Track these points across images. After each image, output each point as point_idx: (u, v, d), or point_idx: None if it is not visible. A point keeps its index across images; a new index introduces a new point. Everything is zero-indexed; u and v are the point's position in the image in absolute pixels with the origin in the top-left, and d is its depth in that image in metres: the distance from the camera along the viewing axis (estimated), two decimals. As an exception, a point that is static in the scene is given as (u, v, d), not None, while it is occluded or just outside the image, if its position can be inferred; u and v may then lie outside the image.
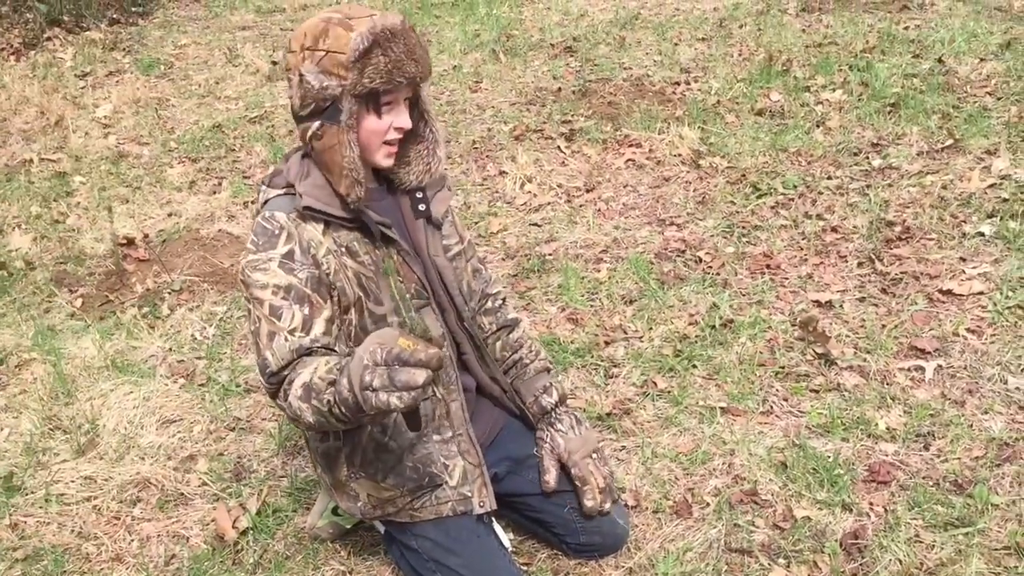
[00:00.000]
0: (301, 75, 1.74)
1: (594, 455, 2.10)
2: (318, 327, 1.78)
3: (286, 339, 1.75)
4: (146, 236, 3.95)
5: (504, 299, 2.21)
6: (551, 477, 2.06)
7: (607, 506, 2.07)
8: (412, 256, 1.93)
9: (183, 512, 2.43)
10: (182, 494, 2.49)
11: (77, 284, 3.63)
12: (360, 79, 1.71)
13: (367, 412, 1.49)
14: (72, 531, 2.39)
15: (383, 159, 1.85)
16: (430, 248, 1.98)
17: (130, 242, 3.86)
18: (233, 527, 2.32)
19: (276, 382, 1.76)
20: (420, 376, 1.41)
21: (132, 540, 2.35)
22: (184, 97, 5.82)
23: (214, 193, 4.40)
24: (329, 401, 1.57)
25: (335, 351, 1.79)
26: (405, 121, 1.82)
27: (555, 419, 2.12)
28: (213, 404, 2.83)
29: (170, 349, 3.14)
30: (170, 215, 4.19)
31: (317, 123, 1.77)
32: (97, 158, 4.89)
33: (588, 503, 2.04)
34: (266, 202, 1.86)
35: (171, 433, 2.73)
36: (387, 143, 1.83)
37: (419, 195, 1.98)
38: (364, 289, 1.85)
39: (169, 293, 3.47)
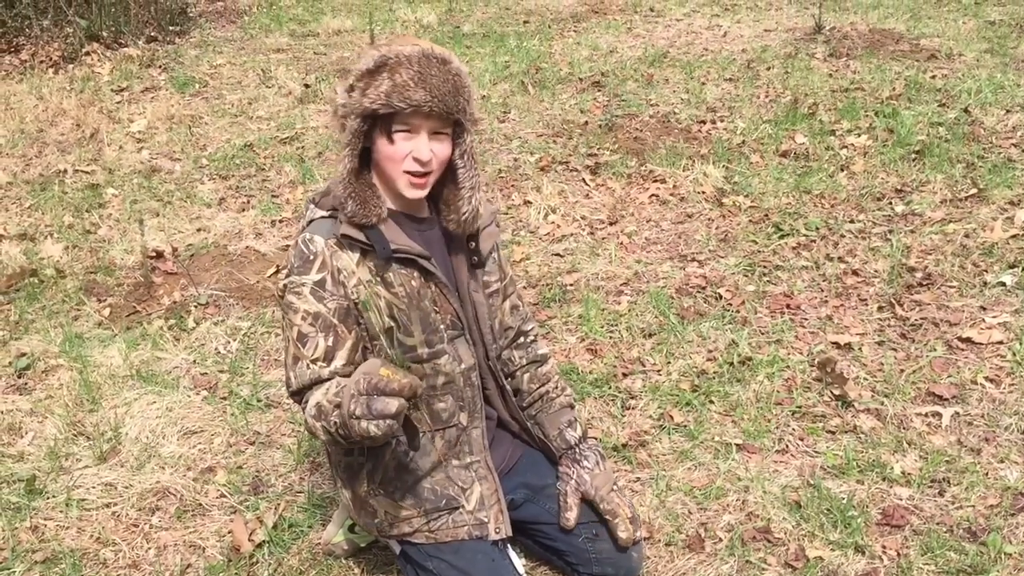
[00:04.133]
0: (335, 89, 1.81)
1: (615, 488, 2.12)
2: (340, 359, 1.86)
3: (308, 367, 1.84)
4: (175, 250, 4.01)
5: (536, 336, 2.26)
6: (572, 516, 2.07)
7: (639, 534, 2.08)
8: (450, 289, 1.96)
9: (200, 523, 2.46)
10: (200, 505, 2.52)
11: (106, 294, 3.70)
12: (362, 98, 1.75)
13: (356, 440, 1.59)
14: (91, 536, 2.42)
15: (406, 188, 1.86)
16: (470, 284, 2.02)
17: (159, 255, 3.93)
18: (249, 540, 2.35)
19: (297, 400, 1.89)
20: (393, 405, 1.52)
21: (149, 548, 2.38)
22: (217, 116, 5.92)
23: (243, 211, 4.47)
24: (335, 423, 1.66)
25: None
26: (421, 152, 1.80)
27: (580, 455, 2.13)
28: (234, 417, 2.87)
29: (194, 361, 3.19)
30: (199, 230, 4.25)
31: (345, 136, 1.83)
32: (130, 171, 4.98)
33: (623, 535, 2.05)
34: (311, 222, 1.90)
35: (192, 444, 2.77)
36: (409, 173, 1.83)
37: (472, 244, 2.01)
38: (395, 319, 1.89)
39: (195, 306, 3.53)
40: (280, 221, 4.32)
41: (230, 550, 2.35)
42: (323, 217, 1.90)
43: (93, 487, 2.59)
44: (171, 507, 2.52)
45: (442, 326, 1.94)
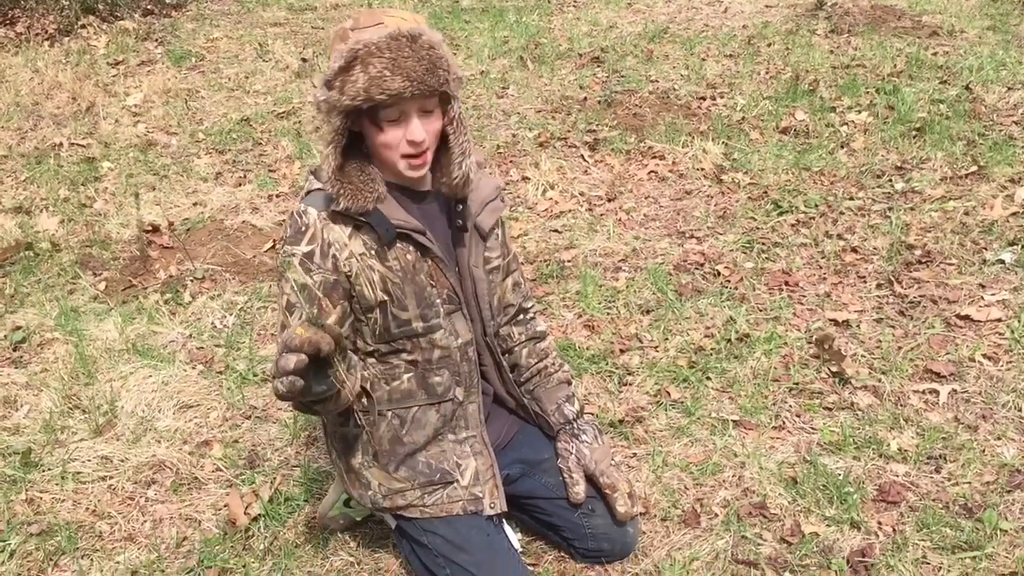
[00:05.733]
0: (314, 84, 1.76)
1: (613, 462, 2.13)
2: None
3: None
4: (171, 224, 3.99)
5: (535, 314, 2.25)
6: (581, 489, 2.08)
7: (636, 509, 2.09)
8: (447, 264, 1.94)
9: (196, 496, 2.46)
10: (196, 478, 2.52)
11: (101, 268, 3.68)
12: (340, 96, 1.70)
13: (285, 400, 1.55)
14: (86, 509, 2.42)
15: (407, 171, 1.83)
16: (470, 258, 1.99)
17: (155, 229, 3.91)
18: (245, 513, 2.35)
19: None
20: (291, 361, 1.48)
21: (145, 521, 2.38)
22: (214, 89, 5.88)
23: (239, 185, 4.45)
24: None
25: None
26: (415, 133, 1.76)
27: (579, 430, 2.14)
28: (230, 392, 2.87)
29: (190, 336, 3.18)
30: (195, 205, 4.23)
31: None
32: (126, 145, 4.95)
33: (621, 508, 2.06)
34: (308, 193, 1.89)
35: (188, 418, 2.77)
36: (407, 156, 1.80)
37: (459, 207, 1.96)
38: (388, 293, 1.88)
39: (191, 281, 3.51)
40: (277, 196, 4.30)
41: (226, 523, 2.35)
42: (319, 189, 1.87)
43: (89, 460, 2.59)
44: (167, 480, 2.52)
45: (438, 300, 1.93)
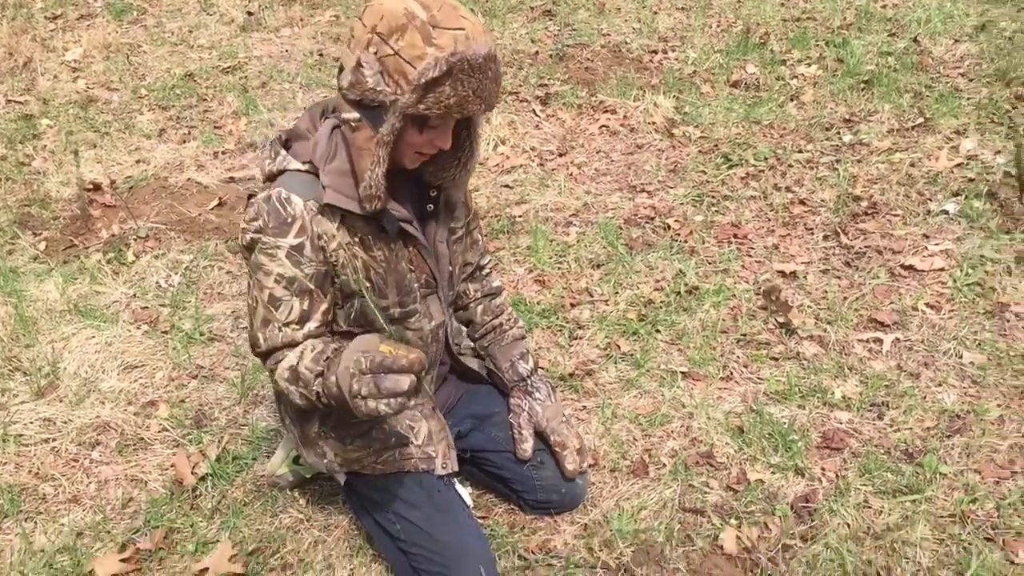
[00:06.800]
0: (359, 62, 1.59)
1: (564, 419, 2.14)
2: (314, 322, 1.82)
3: (279, 330, 1.80)
4: (113, 182, 3.90)
5: (491, 269, 2.25)
6: (528, 446, 2.09)
7: (585, 465, 2.12)
8: (427, 250, 1.91)
9: (142, 457, 2.43)
10: (142, 439, 2.49)
11: (41, 227, 3.59)
12: (416, 103, 1.58)
13: (359, 417, 1.59)
14: (29, 471, 2.38)
15: (410, 163, 1.76)
16: (437, 234, 1.95)
17: (96, 187, 3.81)
18: (192, 473, 2.33)
19: (263, 360, 1.86)
20: (404, 382, 1.52)
21: (90, 482, 2.35)
22: (156, 44, 5.71)
23: (184, 142, 4.34)
24: (317, 392, 1.65)
25: (326, 336, 1.86)
26: (446, 143, 1.70)
27: (532, 387, 2.15)
28: (176, 351, 2.82)
29: (134, 295, 3.12)
30: (138, 162, 4.13)
31: (357, 116, 1.66)
32: (65, 102, 4.80)
33: (570, 466, 2.08)
34: (283, 171, 1.78)
35: (133, 378, 2.72)
36: (421, 154, 1.75)
37: (433, 193, 1.90)
38: (371, 282, 1.84)
39: (135, 240, 3.44)
40: (222, 152, 4.21)
41: (173, 483, 2.33)
42: (299, 171, 1.77)
43: (31, 423, 2.54)
44: (112, 442, 2.48)
45: (416, 285, 1.90)
